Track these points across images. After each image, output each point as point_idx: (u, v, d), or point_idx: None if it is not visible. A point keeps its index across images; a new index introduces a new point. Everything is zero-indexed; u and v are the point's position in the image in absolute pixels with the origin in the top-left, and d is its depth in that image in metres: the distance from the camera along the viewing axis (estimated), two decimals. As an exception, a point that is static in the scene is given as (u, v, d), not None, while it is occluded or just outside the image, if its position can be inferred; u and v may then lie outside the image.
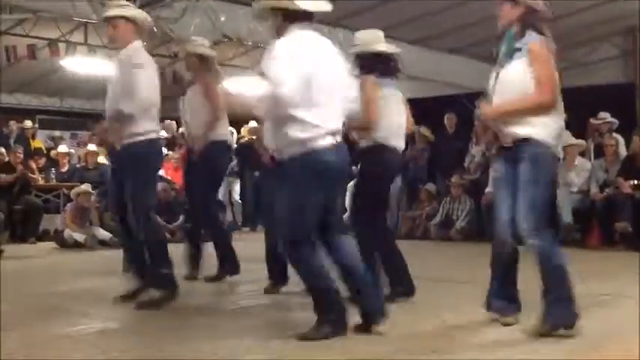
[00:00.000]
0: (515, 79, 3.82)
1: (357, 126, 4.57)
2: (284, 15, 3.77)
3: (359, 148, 4.86)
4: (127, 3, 5.16)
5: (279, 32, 3.79)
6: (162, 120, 15.00)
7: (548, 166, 3.85)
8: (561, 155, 8.89)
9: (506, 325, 3.99)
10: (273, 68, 3.61)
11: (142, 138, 4.78)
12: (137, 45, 4.94)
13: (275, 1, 3.80)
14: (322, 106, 3.71)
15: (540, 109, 3.77)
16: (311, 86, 3.66)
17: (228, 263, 6.11)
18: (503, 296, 4.05)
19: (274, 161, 4.09)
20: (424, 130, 10.66)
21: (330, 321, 3.74)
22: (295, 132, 3.67)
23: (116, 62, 5.00)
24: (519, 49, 3.84)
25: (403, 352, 3.56)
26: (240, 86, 13.11)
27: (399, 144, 4.87)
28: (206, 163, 5.94)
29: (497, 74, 3.93)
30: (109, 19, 4.97)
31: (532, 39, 3.83)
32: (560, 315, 3.73)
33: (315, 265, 3.80)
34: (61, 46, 10.82)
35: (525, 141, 3.78)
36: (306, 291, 3.93)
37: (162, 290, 4.81)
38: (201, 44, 6.24)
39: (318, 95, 3.69)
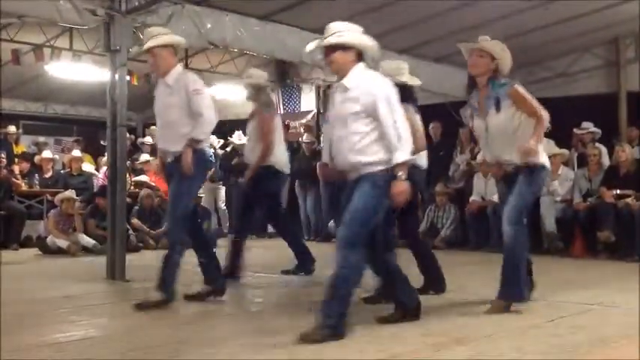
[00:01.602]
0: (508, 124, 4.71)
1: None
2: (357, 53, 4.13)
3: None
4: (162, 30, 5.34)
5: (346, 67, 4.12)
6: (147, 126, 14.86)
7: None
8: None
9: None
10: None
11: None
12: (180, 69, 5.21)
13: (357, 40, 4.13)
14: None
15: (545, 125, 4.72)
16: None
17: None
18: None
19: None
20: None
21: (329, 326, 3.89)
22: (380, 153, 4.03)
23: (164, 88, 5.15)
24: (500, 98, 4.69)
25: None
26: (226, 92, 12.97)
27: (423, 162, 5.45)
28: (257, 187, 6.67)
29: (487, 125, 4.79)
30: (150, 50, 5.12)
31: (507, 86, 4.71)
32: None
33: (361, 271, 4.07)
34: (46, 51, 10.74)
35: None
36: (329, 288, 3.97)
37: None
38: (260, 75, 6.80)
39: None
